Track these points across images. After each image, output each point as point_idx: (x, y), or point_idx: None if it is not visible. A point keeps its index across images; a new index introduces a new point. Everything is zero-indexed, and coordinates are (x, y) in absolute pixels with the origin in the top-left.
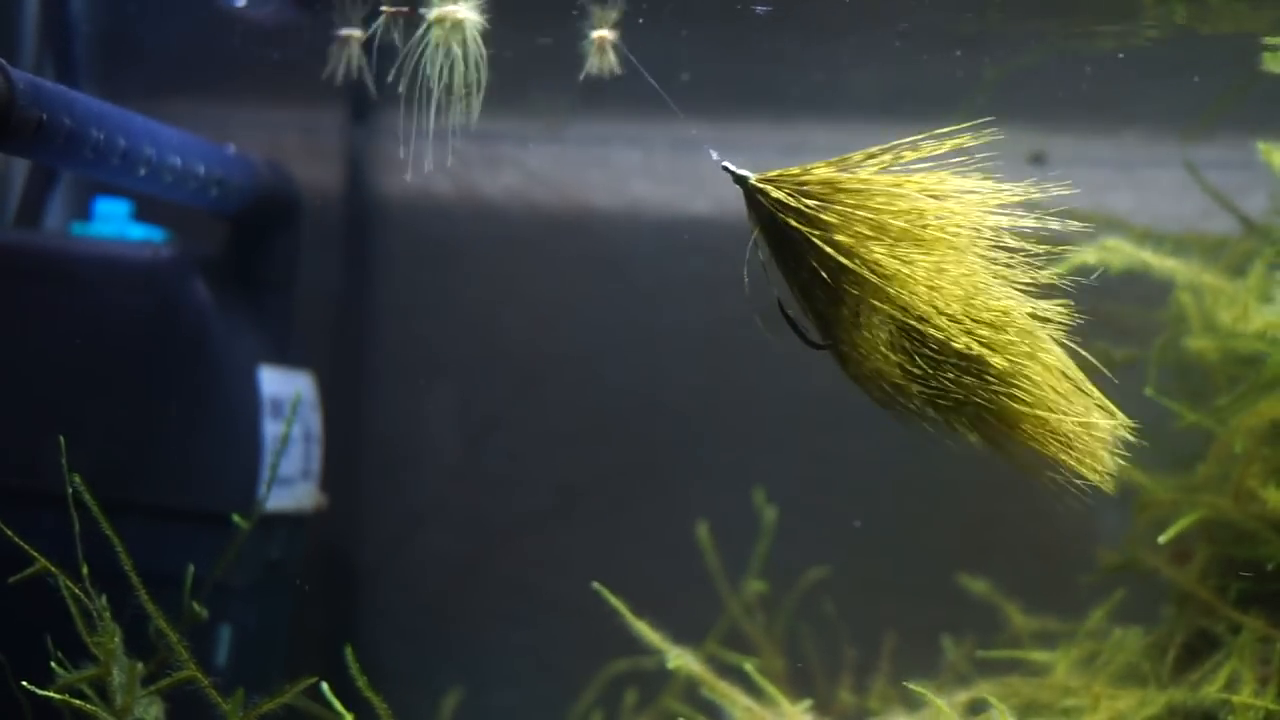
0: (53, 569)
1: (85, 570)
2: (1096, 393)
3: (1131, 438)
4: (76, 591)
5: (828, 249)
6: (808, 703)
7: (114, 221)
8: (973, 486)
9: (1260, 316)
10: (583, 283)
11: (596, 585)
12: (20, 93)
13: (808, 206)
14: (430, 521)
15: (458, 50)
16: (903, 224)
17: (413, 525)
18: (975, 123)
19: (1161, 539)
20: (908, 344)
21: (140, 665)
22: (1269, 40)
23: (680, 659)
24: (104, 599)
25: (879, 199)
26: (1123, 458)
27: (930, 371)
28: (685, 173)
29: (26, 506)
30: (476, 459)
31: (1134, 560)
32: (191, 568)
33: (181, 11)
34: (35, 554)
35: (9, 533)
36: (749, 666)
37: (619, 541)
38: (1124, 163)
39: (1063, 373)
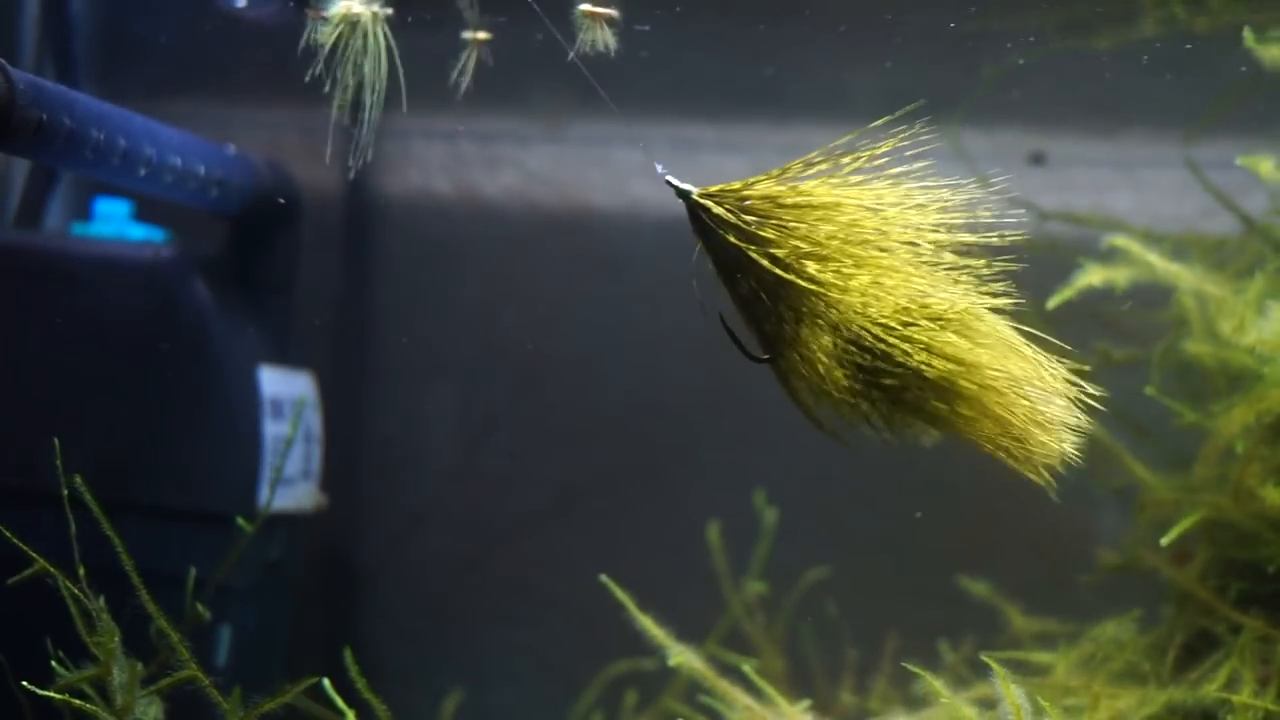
0: (52, 569)
1: (84, 571)
2: (1055, 377)
3: (1093, 407)
4: (76, 592)
5: (765, 263)
6: (807, 703)
7: (114, 221)
8: (973, 486)
9: (1255, 330)
10: (583, 283)
11: (605, 579)
12: (20, 93)
13: (745, 223)
14: (430, 521)
15: (359, 45)
16: (839, 238)
17: (413, 525)
18: (899, 114)
19: (1164, 540)
20: (850, 353)
21: (140, 665)
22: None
23: (681, 656)
24: (103, 599)
25: (817, 212)
26: (1084, 438)
27: (872, 380)
28: (685, 173)
29: (26, 506)
30: (476, 459)
31: (1134, 560)
32: (193, 568)
33: (181, 11)
34: (34, 555)
35: (8, 534)
36: (747, 667)
37: (619, 541)
38: (1124, 163)
39: (1011, 359)
